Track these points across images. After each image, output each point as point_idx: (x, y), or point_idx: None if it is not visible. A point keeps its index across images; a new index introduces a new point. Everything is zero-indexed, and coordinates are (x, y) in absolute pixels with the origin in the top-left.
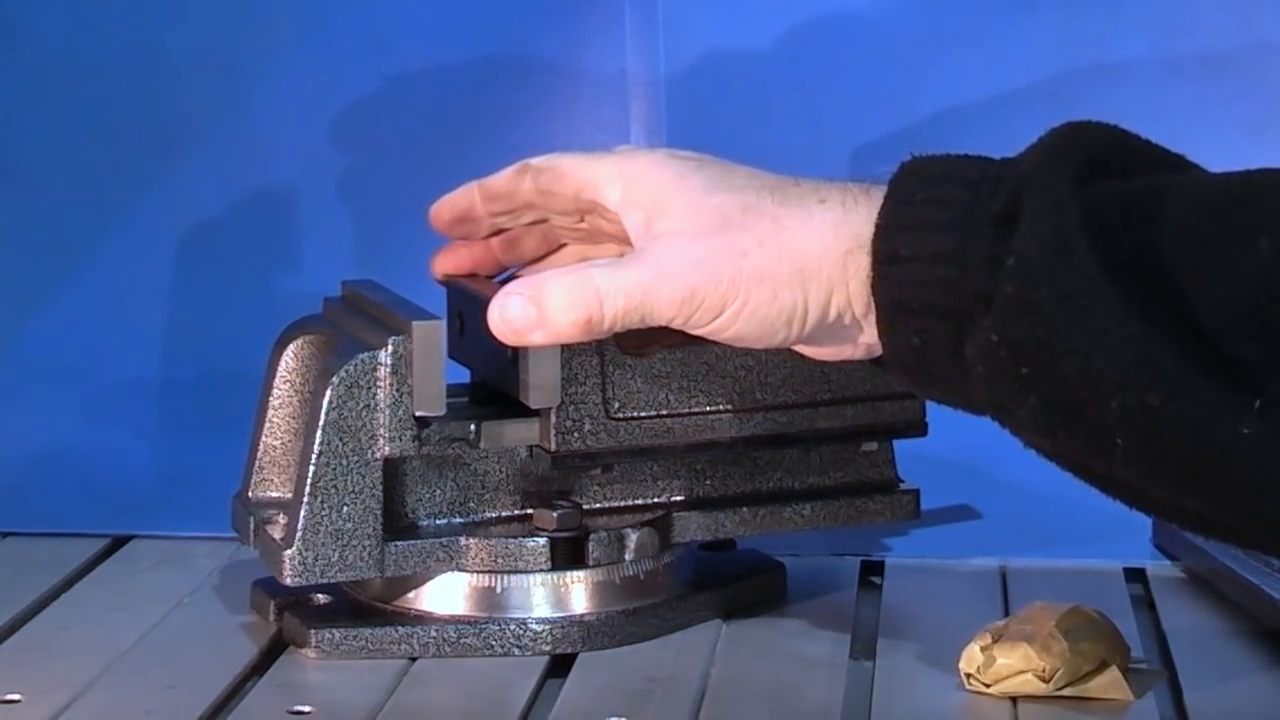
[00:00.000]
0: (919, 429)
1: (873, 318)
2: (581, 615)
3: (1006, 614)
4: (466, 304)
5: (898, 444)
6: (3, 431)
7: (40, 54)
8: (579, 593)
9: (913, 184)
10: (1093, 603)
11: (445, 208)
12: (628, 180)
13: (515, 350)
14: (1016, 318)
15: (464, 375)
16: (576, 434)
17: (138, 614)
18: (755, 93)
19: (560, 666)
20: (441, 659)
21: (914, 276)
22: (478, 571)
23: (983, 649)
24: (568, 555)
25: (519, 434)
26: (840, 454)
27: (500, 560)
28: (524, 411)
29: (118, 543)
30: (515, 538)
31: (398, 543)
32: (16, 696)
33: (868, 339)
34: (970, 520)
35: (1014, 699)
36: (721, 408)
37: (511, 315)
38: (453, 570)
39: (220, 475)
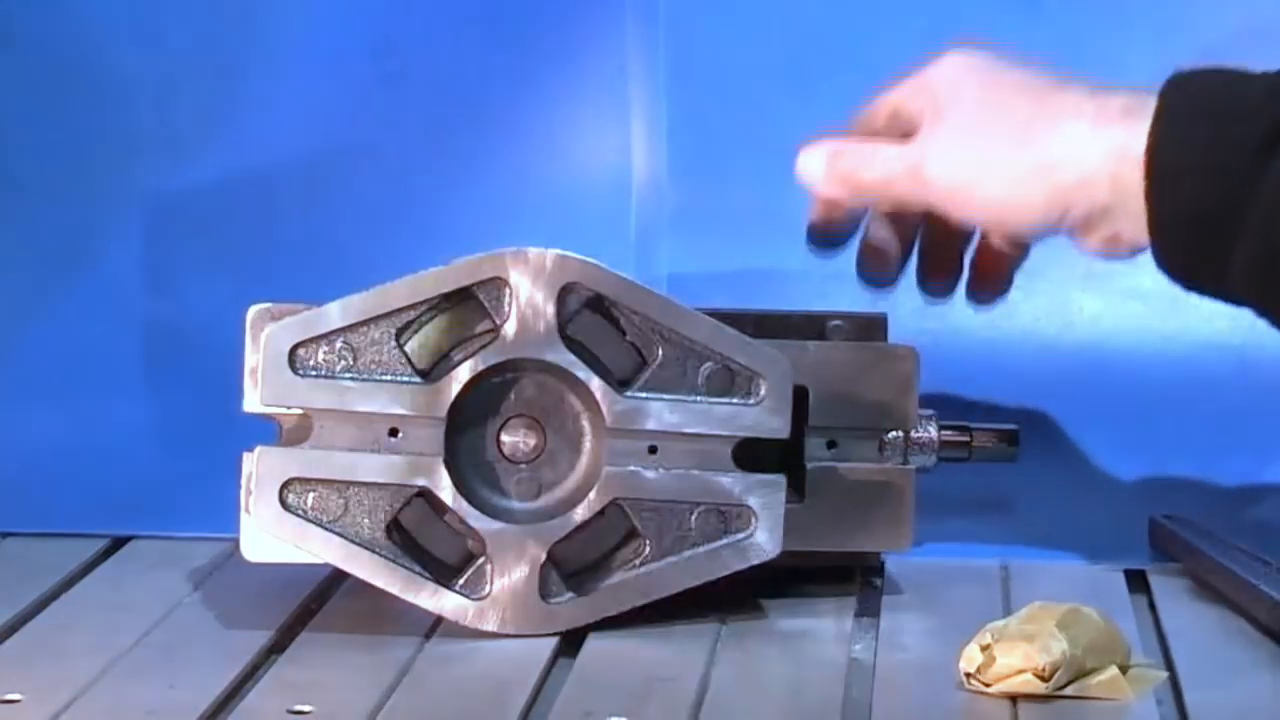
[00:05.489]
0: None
1: None
2: None
3: (1006, 614)
4: None
5: None
6: (3, 431)
7: (41, 57)
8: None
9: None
10: (1093, 603)
11: None
12: None
13: None
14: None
15: None
16: None
17: (138, 614)
18: (755, 93)
19: (560, 666)
20: (440, 659)
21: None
22: None
23: (983, 649)
24: None
25: None
26: None
27: None
28: None
29: (118, 543)
30: None
31: None
32: (17, 696)
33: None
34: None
35: (1014, 699)
36: None
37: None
38: None
39: (220, 475)
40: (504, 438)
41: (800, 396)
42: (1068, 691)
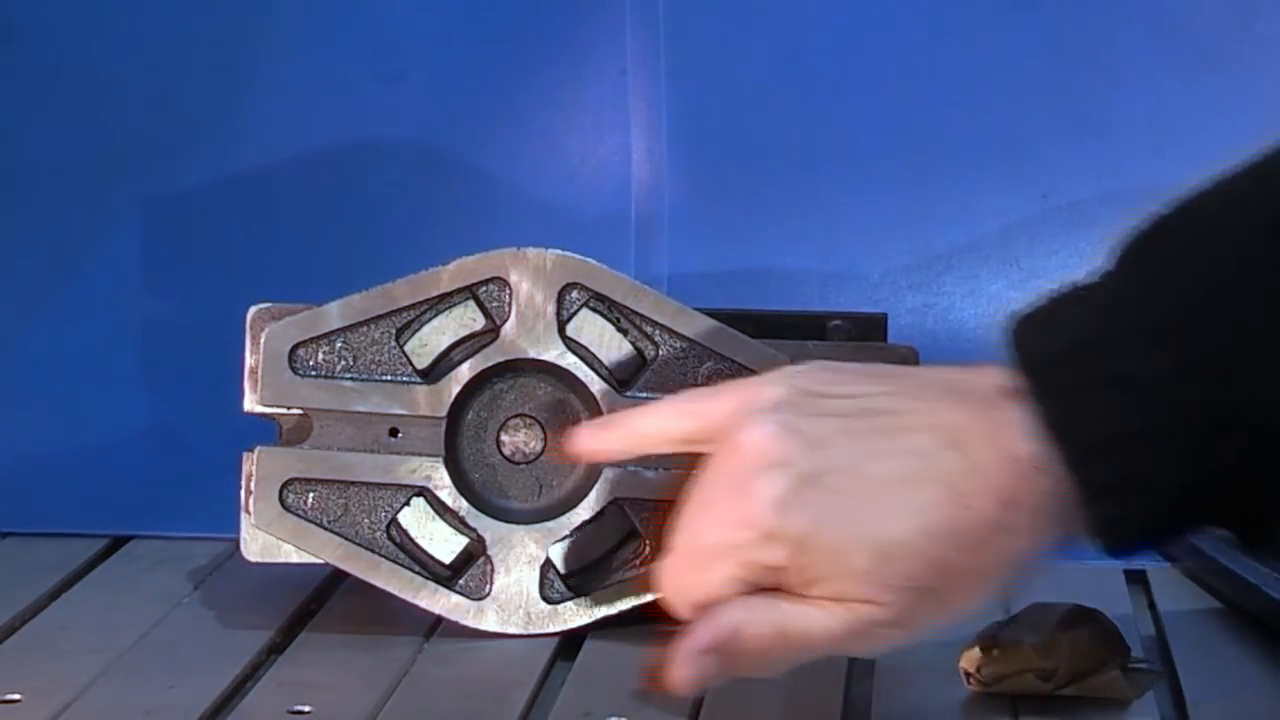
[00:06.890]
0: None
1: None
2: None
3: (1007, 614)
4: None
5: None
6: (3, 431)
7: (40, 58)
8: None
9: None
10: (1093, 603)
11: None
12: None
13: None
14: None
15: None
16: None
17: (138, 614)
18: (755, 93)
19: (560, 666)
20: (440, 659)
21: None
22: None
23: (983, 649)
24: None
25: None
26: None
27: None
28: None
29: (118, 543)
30: None
31: None
32: (16, 696)
33: None
34: None
35: (1014, 699)
36: None
37: None
38: None
39: (220, 475)
40: (504, 438)
41: None
42: (1068, 691)
